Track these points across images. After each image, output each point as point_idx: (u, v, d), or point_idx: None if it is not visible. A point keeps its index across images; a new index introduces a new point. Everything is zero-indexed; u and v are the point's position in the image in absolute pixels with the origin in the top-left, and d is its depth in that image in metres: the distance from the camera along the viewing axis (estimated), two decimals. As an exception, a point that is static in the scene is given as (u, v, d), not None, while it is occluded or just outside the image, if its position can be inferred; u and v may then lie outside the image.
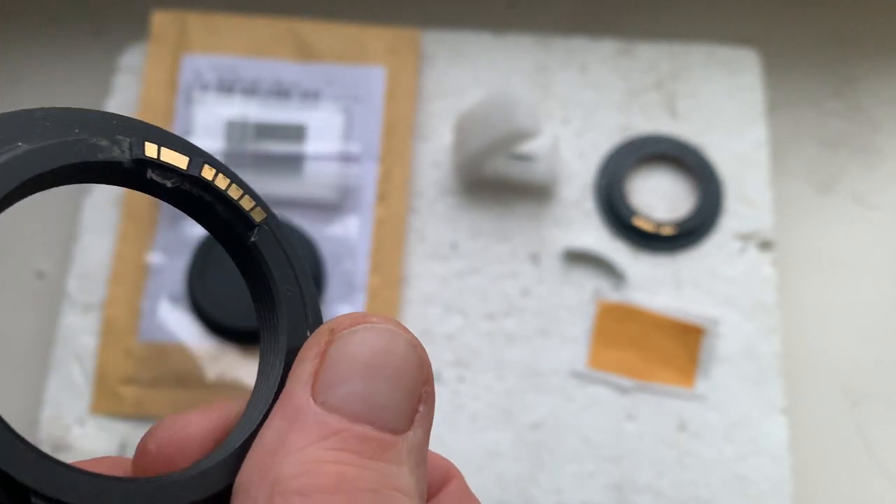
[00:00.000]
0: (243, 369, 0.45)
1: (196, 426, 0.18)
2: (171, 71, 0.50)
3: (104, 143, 0.16)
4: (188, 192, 0.17)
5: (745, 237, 0.49)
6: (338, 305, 0.46)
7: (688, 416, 0.45)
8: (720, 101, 0.51)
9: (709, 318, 0.47)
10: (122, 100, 0.51)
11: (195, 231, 0.47)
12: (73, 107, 0.17)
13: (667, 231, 0.48)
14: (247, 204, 0.18)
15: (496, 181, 0.49)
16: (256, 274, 0.18)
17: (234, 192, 0.17)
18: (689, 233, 0.48)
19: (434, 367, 0.49)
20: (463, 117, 0.48)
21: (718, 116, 0.51)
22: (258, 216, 0.18)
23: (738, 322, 0.47)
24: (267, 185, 0.48)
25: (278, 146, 0.48)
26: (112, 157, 0.16)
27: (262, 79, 0.50)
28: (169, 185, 0.17)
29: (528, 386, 0.46)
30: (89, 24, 0.55)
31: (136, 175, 0.17)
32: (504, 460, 0.45)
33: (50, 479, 0.14)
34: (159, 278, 0.47)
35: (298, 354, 0.17)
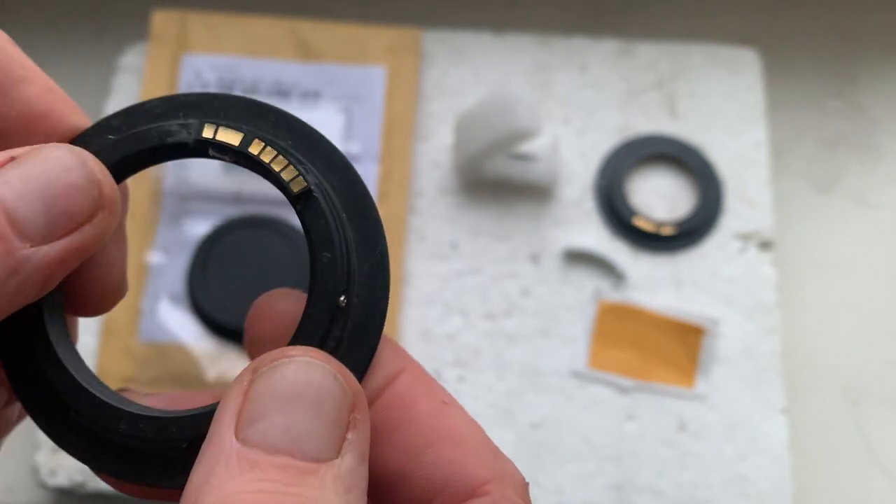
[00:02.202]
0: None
1: (280, 305, 0.20)
2: (171, 71, 0.50)
3: (175, 127, 0.19)
4: (245, 164, 0.19)
5: (745, 237, 0.49)
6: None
7: (688, 416, 0.45)
8: (720, 101, 0.51)
9: (709, 318, 0.47)
10: (122, 100, 0.51)
11: (195, 231, 0.47)
12: (191, 91, 0.20)
13: (667, 231, 0.48)
14: (288, 174, 0.19)
15: (496, 181, 0.49)
16: (307, 239, 0.19)
17: (278, 165, 0.19)
18: (689, 233, 0.48)
19: (434, 366, 0.49)
20: (463, 117, 0.48)
21: (718, 116, 0.51)
22: (297, 186, 0.19)
23: (738, 322, 0.47)
24: (267, 185, 0.48)
25: (278, 146, 0.48)
26: (179, 139, 0.19)
27: (262, 79, 0.50)
28: (228, 159, 0.19)
29: (529, 386, 0.46)
30: (89, 24, 0.55)
31: (201, 152, 0.19)
32: (504, 460, 0.45)
33: (83, 400, 0.19)
34: (159, 278, 0.47)
35: (224, 395, 0.17)
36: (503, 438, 0.45)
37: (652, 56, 0.53)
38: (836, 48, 0.55)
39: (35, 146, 0.18)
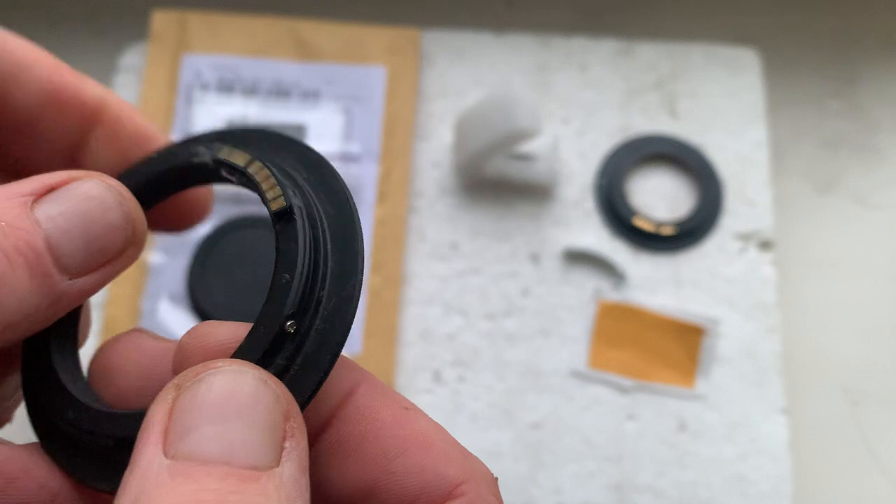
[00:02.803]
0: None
1: (222, 334, 0.19)
2: (171, 71, 0.50)
3: (201, 149, 0.21)
4: (244, 183, 0.20)
5: (745, 237, 0.49)
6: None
7: (688, 416, 0.45)
8: (720, 101, 0.51)
9: (709, 318, 0.47)
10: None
11: (195, 231, 0.47)
12: (246, 126, 0.22)
13: (667, 231, 0.48)
14: (272, 193, 0.19)
15: (496, 181, 0.49)
16: (275, 256, 0.19)
17: (266, 184, 0.20)
18: (689, 233, 0.48)
19: (434, 366, 0.49)
20: (463, 117, 0.48)
21: (718, 116, 0.51)
22: (276, 205, 0.19)
23: (738, 322, 0.47)
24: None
25: (278, 146, 0.48)
26: (203, 160, 0.21)
27: (262, 78, 0.50)
28: (235, 180, 0.21)
29: (528, 386, 0.46)
30: (89, 24, 0.55)
31: (217, 173, 0.21)
32: (504, 460, 0.45)
33: (68, 405, 0.19)
34: (159, 278, 0.47)
35: (146, 415, 0.16)
36: (503, 438, 0.45)
37: (652, 56, 0.53)
38: (836, 48, 0.55)
39: (71, 175, 0.19)
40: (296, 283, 0.18)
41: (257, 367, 0.17)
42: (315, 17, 0.52)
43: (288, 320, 0.18)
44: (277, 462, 0.16)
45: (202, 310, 0.45)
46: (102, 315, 0.46)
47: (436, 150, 0.50)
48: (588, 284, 0.48)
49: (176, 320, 0.46)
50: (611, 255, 0.48)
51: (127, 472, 0.16)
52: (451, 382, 0.46)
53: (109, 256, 0.19)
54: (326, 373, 0.18)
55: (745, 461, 0.45)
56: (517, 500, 0.44)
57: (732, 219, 0.49)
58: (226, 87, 0.50)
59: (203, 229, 0.47)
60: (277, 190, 0.19)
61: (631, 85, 0.52)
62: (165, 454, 0.15)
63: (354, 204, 0.20)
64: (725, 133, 0.51)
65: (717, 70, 0.52)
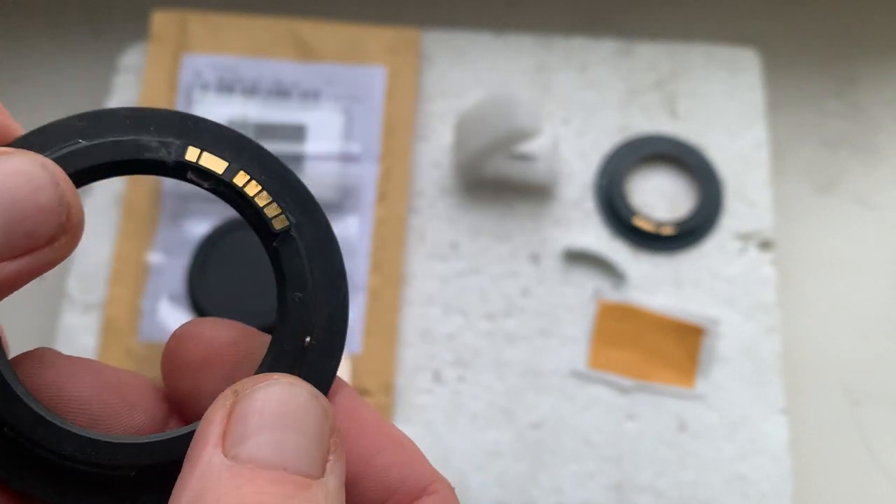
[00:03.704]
0: (243, 369, 0.45)
1: (208, 330, 0.20)
2: (171, 71, 0.50)
3: (154, 143, 0.19)
4: (223, 194, 0.19)
5: (745, 237, 0.49)
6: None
7: (688, 416, 0.45)
8: (720, 101, 0.52)
9: (709, 318, 0.47)
10: (122, 100, 0.51)
11: (195, 231, 0.47)
12: (159, 108, 0.20)
13: (667, 231, 0.48)
14: (271, 211, 0.19)
15: (496, 181, 0.49)
16: (277, 276, 0.19)
17: (262, 199, 0.19)
18: (689, 233, 0.48)
19: (434, 366, 0.49)
20: (463, 117, 0.48)
21: (718, 116, 0.51)
22: (279, 224, 0.19)
23: (738, 322, 0.47)
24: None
25: (278, 146, 0.48)
26: (158, 157, 0.19)
27: (262, 79, 0.50)
28: (206, 186, 0.19)
29: (528, 386, 0.46)
30: (89, 24, 0.55)
31: (179, 174, 0.19)
32: (504, 460, 0.45)
33: (18, 414, 0.18)
34: (159, 278, 0.47)
35: (204, 417, 0.17)
36: (503, 438, 0.45)
37: (652, 56, 0.53)
38: (836, 48, 0.55)
39: (1, 149, 0.17)
40: (309, 301, 0.19)
41: (308, 384, 0.18)
42: (315, 17, 0.52)
43: (306, 337, 0.19)
44: (323, 473, 0.17)
45: (202, 310, 0.45)
46: (102, 315, 0.46)
47: (436, 150, 0.50)
48: (588, 284, 0.48)
49: (176, 320, 0.46)
50: (611, 255, 0.48)
51: (186, 472, 0.16)
52: (451, 382, 0.46)
53: (37, 243, 0.17)
54: (331, 382, 0.19)
55: (745, 461, 0.45)
56: (517, 500, 0.44)
57: (732, 219, 0.49)
58: (226, 88, 0.50)
59: (203, 229, 0.47)
60: (276, 207, 0.19)
61: (631, 85, 0.52)
62: (225, 455, 0.16)
63: (323, 210, 0.20)
64: (725, 133, 0.51)
65: (717, 70, 0.52)
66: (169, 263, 0.47)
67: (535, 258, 0.48)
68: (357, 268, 0.47)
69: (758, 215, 0.49)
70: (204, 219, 0.47)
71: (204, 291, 0.46)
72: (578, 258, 0.48)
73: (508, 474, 0.44)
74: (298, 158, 0.48)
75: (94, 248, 0.48)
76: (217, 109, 0.49)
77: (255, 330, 0.20)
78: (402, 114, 0.50)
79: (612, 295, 0.47)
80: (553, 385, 0.46)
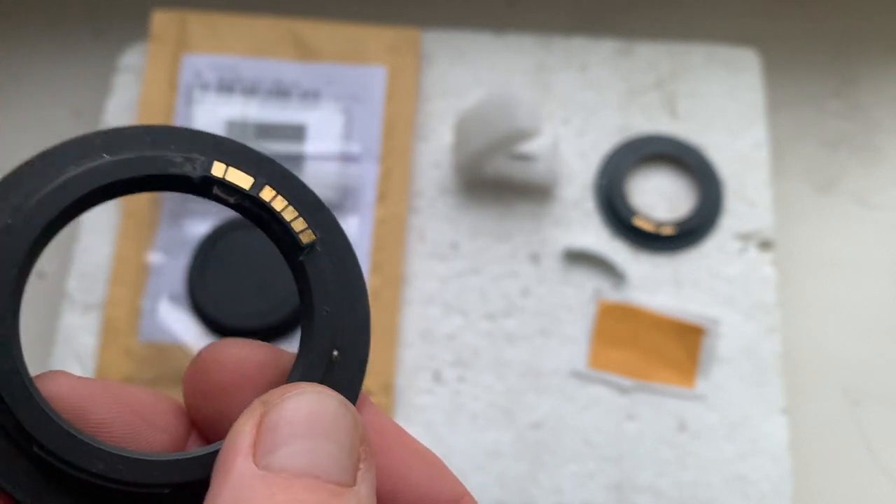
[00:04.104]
0: (243, 369, 0.45)
1: (237, 352, 0.20)
2: (171, 71, 0.50)
3: (179, 159, 0.19)
4: (248, 209, 0.19)
5: (745, 237, 0.49)
6: (338, 305, 0.46)
7: (688, 416, 0.45)
8: (720, 101, 0.52)
9: (709, 318, 0.47)
10: (123, 100, 0.51)
11: (195, 231, 0.47)
12: (177, 126, 0.20)
13: (667, 231, 0.48)
14: (298, 225, 0.19)
15: (496, 181, 0.49)
16: (302, 291, 0.19)
17: (289, 214, 0.19)
18: (689, 233, 0.49)
19: (434, 367, 0.49)
20: (463, 117, 0.48)
21: (718, 116, 0.51)
22: (306, 238, 0.19)
23: (738, 322, 0.47)
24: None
25: (278, 146, 0.48)
26: (183, 171, 0.19)
27: (262, 79, 0.50)
28: (231, 201, 0.19)
29: (528, 386, 0.46)
30: (89, 24, 0.55)
31: (204, 190, 0.19)
32: (504, 460, 0.45)
33: (49, 432, 0.17)
34: (159, 278, 0.47)
35: (233, 428, 0.17)
36: (503, 438, 0.45)
37: (652, 56, 0.53)
38: (836, 48, 0.55)
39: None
40: (336, 314, 0.19)
41: (336, 392, 0.18)
42: (315, 17, 0.52)
43: (334, 350, 0.19)
44: (354, 481, 0.17)
45: (202, 310, 0.45)
46: (102, 315, 0.46)
47: (436, 150, 0.50)
48: (588, 284, 0.48)
49: (176, 320, 0.46)
50: (611, 255, 0.48)
51: (217, 483, 0.16)
52: (451, 382, 0.46)
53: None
54: (357, 395, 0.19)
55: (745, 461, 0.45)
56: (517, 500, 0.44)
57: (732, 219, 0.49)
58: (226, 88, 0.50)
59: (203, 229, 0.47)
60: (302, 221, 0.19)
61: (631, 85, 0.52)
62: (256, 465, 0.16)
63: (339, 223, 0.20)
64: (725, 133, 0.51)
65: (717, 70, 0.52)
66: (169, 263, 0.47)
67: (535, 258, 0.48)
68: (357, 268, 0.47)
69: (758, 215, 0.49)
70: (204, 219, 0.47)
71: (204, 291, 0.46)
72: (578, 258, 0.48)
73: (508, 474, 0.44)
74: (298, 158, 0.48)
75: (94, 248, 0.48)
76: (217, 109, 0.49)
77: (280, 349, 0.20)
78: (402, 114, 0.50)
79: (612, 295, 0.47)
80: (553, 385, 0.46)
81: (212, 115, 0.49)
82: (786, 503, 0.44)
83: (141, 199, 0.48)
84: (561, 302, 0.47)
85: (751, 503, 0.44)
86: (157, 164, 0.19)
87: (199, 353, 0.20)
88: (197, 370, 0.20)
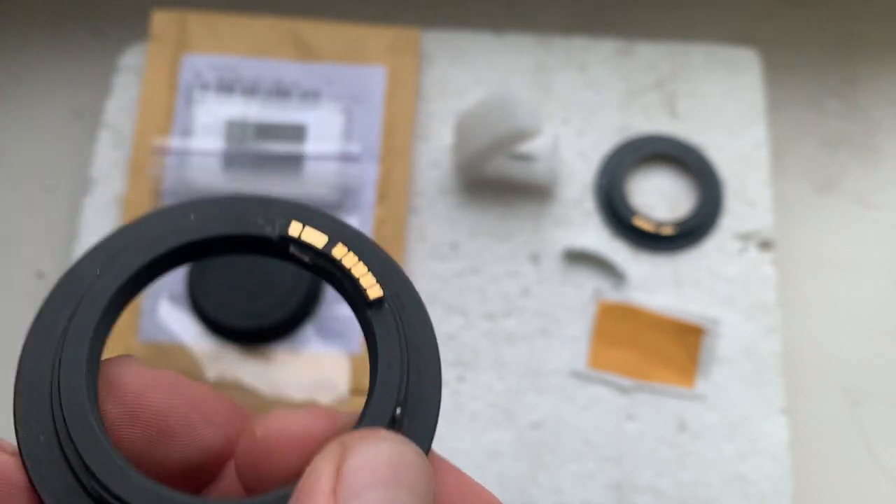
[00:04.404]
0: (243, 369, 0.45)
1: (299, 424, 0.19)
2: (171, 71, 0.50)
3: (260, 220, 0.20)
4: (322, 267, 0.20)
5: (745, 237, 0.49)
6: (338, 305, 0.46)
7: (688, 416, 0.45)
8: (720, 101, 0.52)
9: (709, 318, 0.47)
10: (122, 100, 0.51)
11: (195, 231, 0.47)
12: (261, 195, 0.21)
13: (667, 231, 0.48)
14: (367, 281, 0.20)
15: (496, 181, 0.49)
16: (369, 345, 0.20)
17: (359, 270, 0.20)
18: (689, 233, 0.48)
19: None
20: (463, 117, 0.48)
21: (718, 116, 0.51)
22: (374, 293, 0.20)
23: (738, 322, 0.47)
24: (267, 185, 0.48)
25: (278, 146, 0.48)
26: (263, 232, 0.20)
27: (262, 79, 0.50)
28: (307, 259, 0.20)
29: (529, 386, 0.46)
30: (89, 24, 0.55)
31: (282, 249, 0.20)
32: (504, 460, 0.45)
33: (109, 470, 0.17)
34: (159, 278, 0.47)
35: (311, 466, 0.17)
36: (503, 438, 0.45)
37: (652, 56, 0.53)
38: (836, 48, 0.55)
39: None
40: (401, 371, 0.19)
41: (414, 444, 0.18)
42: (315, 17, 0.52)
43: (398, 407, 0.19)
44: None
45: (202, 310, 0.45)
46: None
47: (436, 150, 0.50)
48: (588, 284, 0.48)
49: (176, 320, 0.46)
50: (611, 255, 0.48)
51: None
52: (451, 382, 0.46)
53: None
54: (428, 448, 0.19)
55: (745, 461, 0.45)
56: (517, 500, 0.44)
57: (732, 219, 0.49)
58: (226, 87, 0.50)
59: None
60: (371, 277, 0.20)
61: (631, 85, 0.52)
62: None
63: (409, 279, 0.21)
64: (725, 133, 0.51)
65: (717, 70, 0.52)
66: (169, 263, 0.47)
67: (535, 258, 0.48)
68: (357, 268, 0.47)
69: (758, 215, 0.49)
70: (204, 219, 0.47)
71: (204, 291, 0.46)
72: (578, 258, 0.48)
73: (508, 474, 0.44)
74: (298, 158, 0.48)
75: (94, 248, 0.48)
76: (217, 109, 0.49)
77: (339, 412, 0.20)
78: (402, 114, 0.50)
79: (612, 295, 0.47)
80: (553, 385, 0.46)
81: (212, 115, 0.49)
82: (786, 503, 0.44)
83: (141, 199, 0.48)
84: (561, 302, 0.47)
85: (751, 503, 0.44)
86: (240, 225, 0.20)
87: (260, 427, 0.19)
88: (256, 449, 0.19)
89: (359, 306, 0.20)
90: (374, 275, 0.20)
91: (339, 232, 0.20)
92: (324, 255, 0.20)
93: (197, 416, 0.20)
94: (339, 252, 0.20)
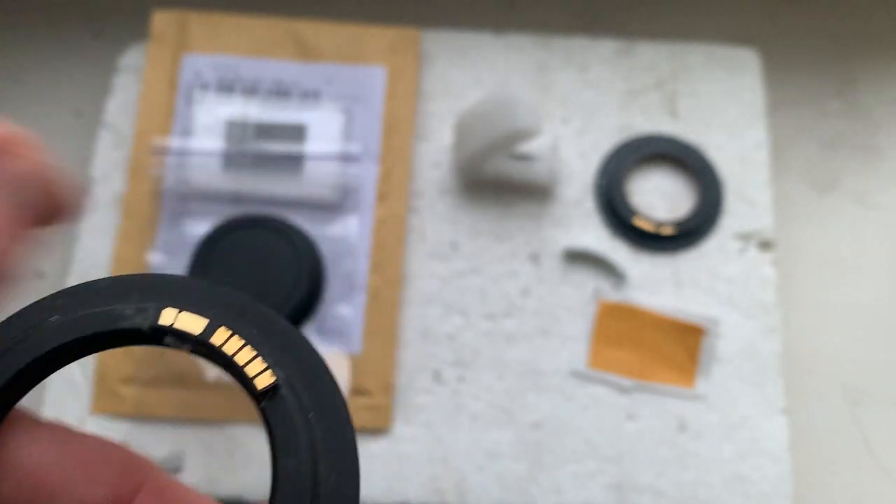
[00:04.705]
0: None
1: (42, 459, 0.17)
2: (171, 71, 0.50)
3: (130, 310, 0.18)
4: (206, 355, 0.18)
5: (745, 237, 0.49)
6: (338, 305, 0.46)
7: (688, 416, 0.45)
8: (720, 101, 0.52)
9: (709, 318, 0.47)
10: (122, 100, 0.51)
11: (195, 231, 0.47)
12: (136, 274, 0.18)
13: (667, 231, 0.48)
14: (255, 368, 0.17)
15: (496, 181, 0.49)
16: (269, 440, 0.17)
17: (244, 356, 0.17)
18: (689, 233, 0.49)
19: (434, 367, 0.49)
20: (463, 117, 0.48)
21: (718, 116, 0.51)
22: (264, 381, 0.17)
23: (738, 322, 0.47)
24: (267, 185, 0.48)
25: (278, 146, 0.48)
26: (134, 324, 0.17)
27: (262, 79, 0.50)
28: (187, 349, 0.18)
29: (528, 386, 0.46)
30: (89, 24, 0.55)
31: (157, 340, 0.18)
32: (504, 460, 0.45)
33: None
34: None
35: None
36: (503, 438, 0.45)
37: (652, 56, 0.53)
38: (836, 48, 0.55)
39: None
40: (304, 468, 0.17)
41: None
42: (315, 17, 0.52)
43: None
44: None
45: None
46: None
47: (436, 150, 0.50)
48: (588, 284, 0.48)
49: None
50: (611, 255, 0.48)
51: None
52: (451, 382, 0.46)
53: None
54: None
55: (745, 461, 0.45)
56: (517, 500, 0.44)
57: (732, 219, 0.49)
58: (226, 87, 0.50)
59: (203, 229, 0.47)
60: (260, 363, 0.17)
61: (631, 85, 0.52)
62: None
63: (325, 362, 0.18)
64: (725, 133, 0.51)
65: (717, 70, 0.52)
66: (169, 263, 0.47)
67: (535, 258, 0.48)
68: (357, 268, 0.47)
69: (758, 215, 0.49)
70: (204, 219, 0.47)
71: (204, 291, 0.46)
72: (578, 258, 0.48)
73: (508, 474, 0.44)
74: (298, 158, 0.48)
75: (95, 248, 0.48)
76: (217, 109, 0.49)
77: (106, 442, 0.18)
78: (402, 114, 0.50)
79: (612, 295, 0.47)
80: (553, 385, 0.46)
81: (212, 115, 0.49)
82: (786, 503, 0.44)
83: (141, 199, 0.48)
84: (561, 302, 0.47)
85: (751, 503, 0.44)
86: (105, 321, 0.17)
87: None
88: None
89: (251, 396, 0.17)
90: (268, 356, 0.17)
91: (222, 311, 0.18)
92: (203, 344, 0.18)
93: (82, 475, 0.17)
94: (220, 338, 0.17)
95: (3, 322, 0.18)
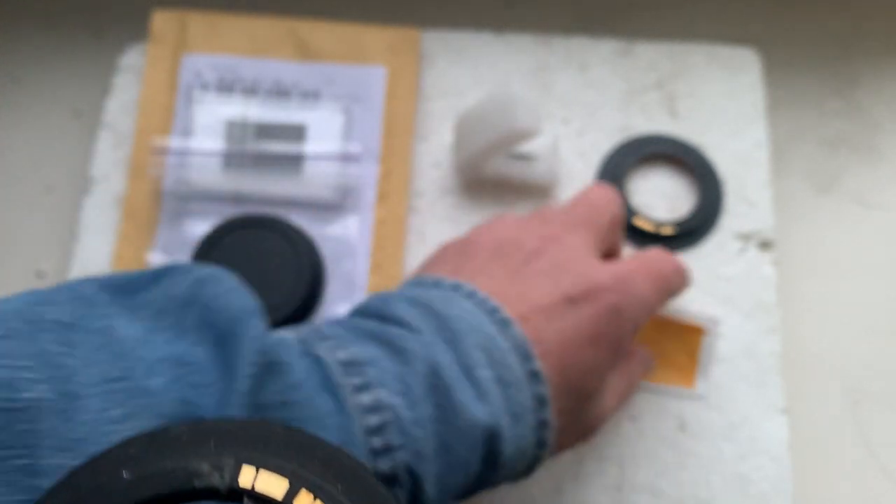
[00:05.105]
0: (243, 369, 0.45)
1: None
2: (171, 71, 0.50)
3: (205, 467, 0.17)
4: None
5: (745, 237, 0.49)
6: (338, 305, 0.46)
7: (688, 416, 0.45)
8: (720, 101, 0.52)
9: (709, 318, 0.47)
10: (123, 100, 0.51)
11: (195, 231, 0.47)
12: (208, 421, 0.17)
13: (667, 231, 0.48)
14: None
15: (496, 181, 0.49)
16: None
17: None
18: (689, 233, 0.48)
19: (434, 367, 0.48)
20: (463, 117, 0.48)
21: (718, 116, 0.51)
22: None
23: (738, 322, 0.47)
24: (267, 185, 0.48)
25: (278, 146, 0.48)
26: (210, 484, 0.16)
27: (262, 79, 0.50)
28: None
29: (528, 386, 0.46)
30: (89, 24, 0.55)
31: (234, 501, 0.17)
32: (504, 460, 0.45)
33: None
34: None
35: None
36: (503, 438, 0.45)
37: (652, 56, 0.53)
38: (836, 48, 0.55)
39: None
40: None
41: None
42: (315, 17, 0.52)
43: None
44: None
45: (202, 310, 0.45)
46: (102, 315, 0.46)
47: (436, 150, 0.50)
48: (588, 284, 0.48)
49: (176, 320, 0.46)
50: (611, 255, 0.48)
51: None
52: (451, 382, 0.46)
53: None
54: None
55: (745, 461, 0.45)
56: (517, 501, 0.44)
57: (732, 219, 0.49)
58: (226, 87, 0.50)
59: (203, 229, 0.47)
60: None
61: (631, 85, 0.52)
62: None
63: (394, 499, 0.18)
64: (725, 133, 0.51)
65: (717, 70, 0.52)
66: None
67: (535, 258, 0.48)
68: (357, 268, 0.47)
69: (758, 215, 0.49)
70: (204, 219, 0.47)
71: (204, 291, 0.46)
72: (578, 258, 0.48)
73: (508, 474, 0.44)
74: (298, 158, 0.48)
75: (95, 248, 0.48)
76: (217, 109, 0.49)
77: None
78: (402, 114, 0.50)
79: (612, 295, 0.47)
80: (553, 385, 0.46)
81: (212, 115, 0.49)
82: (786, 503, 0.44)
83: (141, 199, 0.48)
84: (561, 302, 0.47)
85: (751, 503, 0.44)
86: (180, 479, 0.16)
87: None
88: None
89: None
90: None
91: (304, 463, 0.17)
92: None
93: None
94: (305, 499, 0.17)
95: (71, 475, 0.16)
